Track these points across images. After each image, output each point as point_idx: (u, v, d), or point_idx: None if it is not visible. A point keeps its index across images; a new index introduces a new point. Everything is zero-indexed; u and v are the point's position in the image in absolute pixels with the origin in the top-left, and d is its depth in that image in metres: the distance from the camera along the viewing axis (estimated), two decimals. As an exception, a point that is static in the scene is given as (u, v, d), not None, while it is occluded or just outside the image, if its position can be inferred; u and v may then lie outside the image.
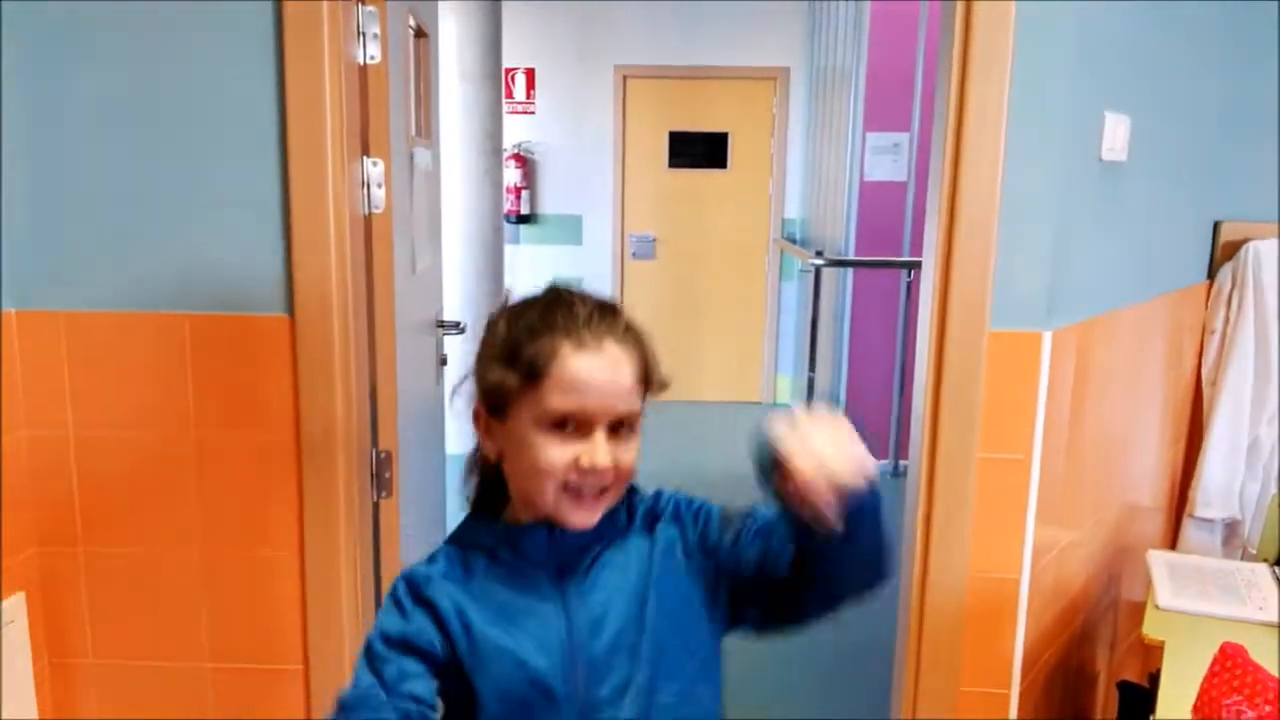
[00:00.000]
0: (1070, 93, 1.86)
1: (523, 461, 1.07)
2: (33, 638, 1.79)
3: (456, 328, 2.80)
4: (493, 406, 1.09)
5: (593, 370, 1.03)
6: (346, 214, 1.72)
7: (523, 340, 1.04)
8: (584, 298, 1.08)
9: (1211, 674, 1.54)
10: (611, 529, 1.12)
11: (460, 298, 5.48)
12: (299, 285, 1.70)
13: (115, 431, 1.76)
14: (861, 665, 2.77)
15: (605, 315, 1.06)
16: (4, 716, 1.71)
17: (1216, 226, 2.65)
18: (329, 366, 1.72)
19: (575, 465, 1.04)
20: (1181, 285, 2.59)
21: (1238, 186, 2.61)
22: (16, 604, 1.74)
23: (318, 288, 1.70)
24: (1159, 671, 1.76)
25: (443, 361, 2.76)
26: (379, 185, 1.87)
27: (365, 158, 1.83)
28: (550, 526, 1.08)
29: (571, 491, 1.05)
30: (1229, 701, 1.48)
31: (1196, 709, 1.55)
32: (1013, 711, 2.01)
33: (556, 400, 1.03)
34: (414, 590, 1.10)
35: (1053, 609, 2.13)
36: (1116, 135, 2.05)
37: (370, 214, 1.87)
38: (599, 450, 1.03)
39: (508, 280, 6.03)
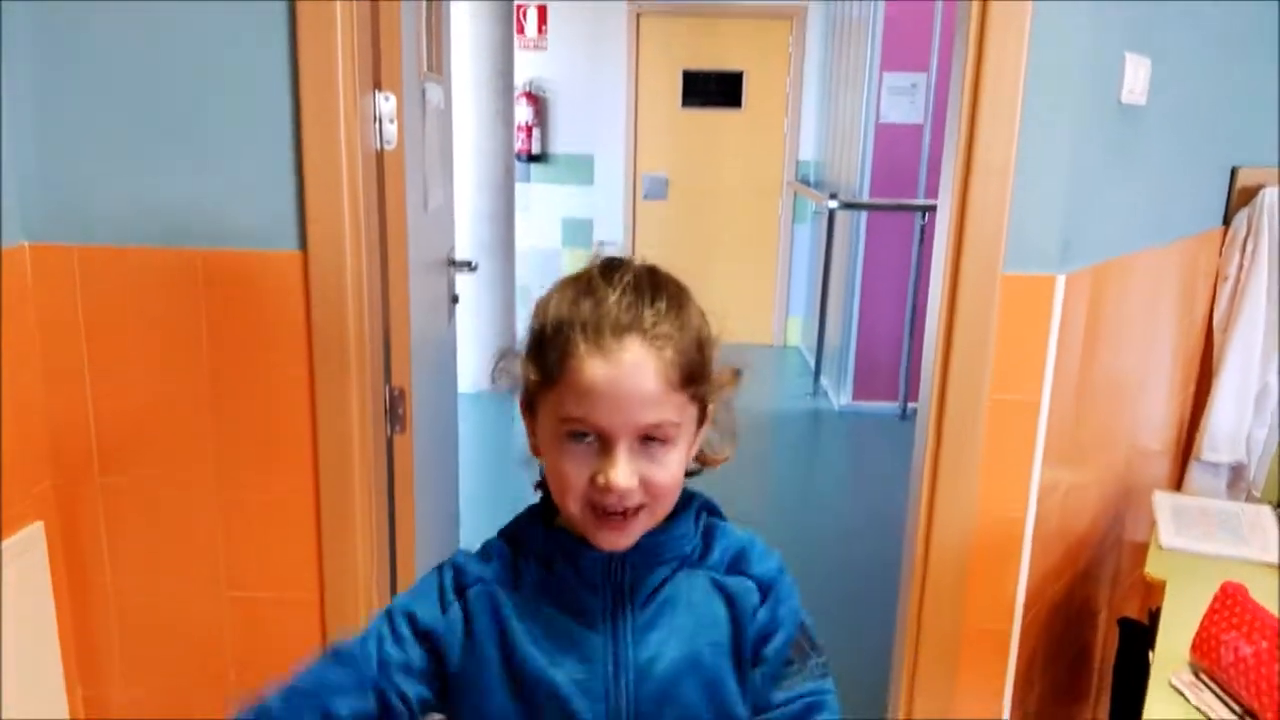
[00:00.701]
0: (1091, 32, 1.83)
1: (550, 469, 0.96)
2: (52, 567, 1.82)
3: (468, 266, 2.81)
4: (526, 398, 0.98)
5: (607, 378, 0.89)
6: (359, 149, 1.72)
7: (548, 333, 0.93)
8: (624, 280, 0.93)
9: (1211, 611, 1.56)
10: (678, 556, 1.00)
11: (471, 237, 5.48)
12: (311, 221, 1.71)
13: (130, 366, 1.78)
14: (864, 601, 2.80)
15: (639, 305, 0.92)
16: (26, 643, 1.75)
17: (1233, 172, 2.63)
18: (342, 302, 1.73)
19: (593, 482, 0.92)
20: (1197, 231, 2.58)
21: (1256, 132, 2.59)
22: (35, 533, 1.77)
23: (330, 223, 1.71)
24: (1159, 609, 1.78)
25: (454, 300, 2.77)
26: (391, 121, 1.87)
27: (377, 92, 1.82)
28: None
29: (597, 511, 0.94)
30: (1227, 638, 1.50)
31: (1195, 645, 1.57)
32: (1013, 648, 2.04)
33: (571, 406, 0.91)
34: (460, 586, 1.01)
35: (1057, 548, 2.16)
36: (1136, 77, 2.03)
37: (382, 150, 1.87)
38: (618, 469, 0.91)
39: (519, 220, 6.02)
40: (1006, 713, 2.05)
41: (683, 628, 0.98)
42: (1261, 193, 2.55)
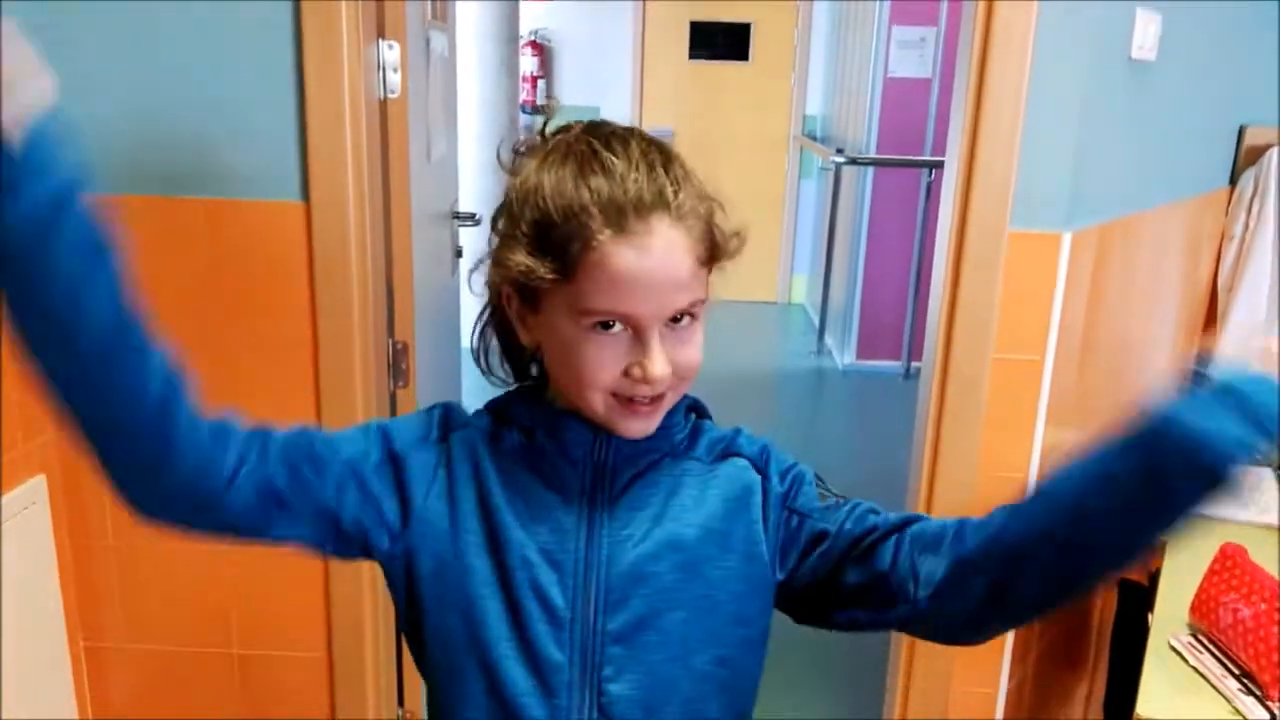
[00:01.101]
0: (1103, -15, 1.81)
1: (563, 363, 0.90)
2: (54, 520, 1.82)
3: (472, 219, 2.79)
4: (522, 293, 0.91)
5: (638, 268, 0.83)
6: (362, 98, 1.70)
7: (553, 217, 0.84)
8: (628, 148, 0.86)
9: (1211, 573, 1.57)
10: (666, 444, 0.95)
11: (475, 190, 5.44)
12: (314, 170, 1.69)
13: (132, 315, 1.77)
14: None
15: (655, 177, 0.85)
16: (28, 595, 1.76)
17: (1241, 131, 2.61)
18: (345, 253, 1.72)
19: (626, 374, 0.86)
20: (1204, 190, 2.56)
21: (1265, 91, 2.56)
22: (38, 485, 1.77)
23: (333, 173, 1.69)
24: (1158, 571, 1.79)
25: (458, 253, 2.76)
26: (394, 69, 1.85)
27: (380, 39, 1.80)
28: (592, 423, 0.92)
29: (622, 400, 0.88)
30: (1226, 600, 1.51)
31: (1194, 607, 1.58)
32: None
33: (596, 298, 0.84)
34: (446, 427, 0.97)
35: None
36: (1147, 33, 2.00)
37: (385, 99, 1.85)
38: (654, 359, 0.85)
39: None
40: (1005, 673, 2.07)
41: (663, 512, 0.93)
42: (1269, 152, 2.53)
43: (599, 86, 6.84)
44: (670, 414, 0.94)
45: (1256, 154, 2.57)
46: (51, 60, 1.71)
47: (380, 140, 1.84)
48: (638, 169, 0.84)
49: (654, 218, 0.83)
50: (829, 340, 6.09)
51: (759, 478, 0.97)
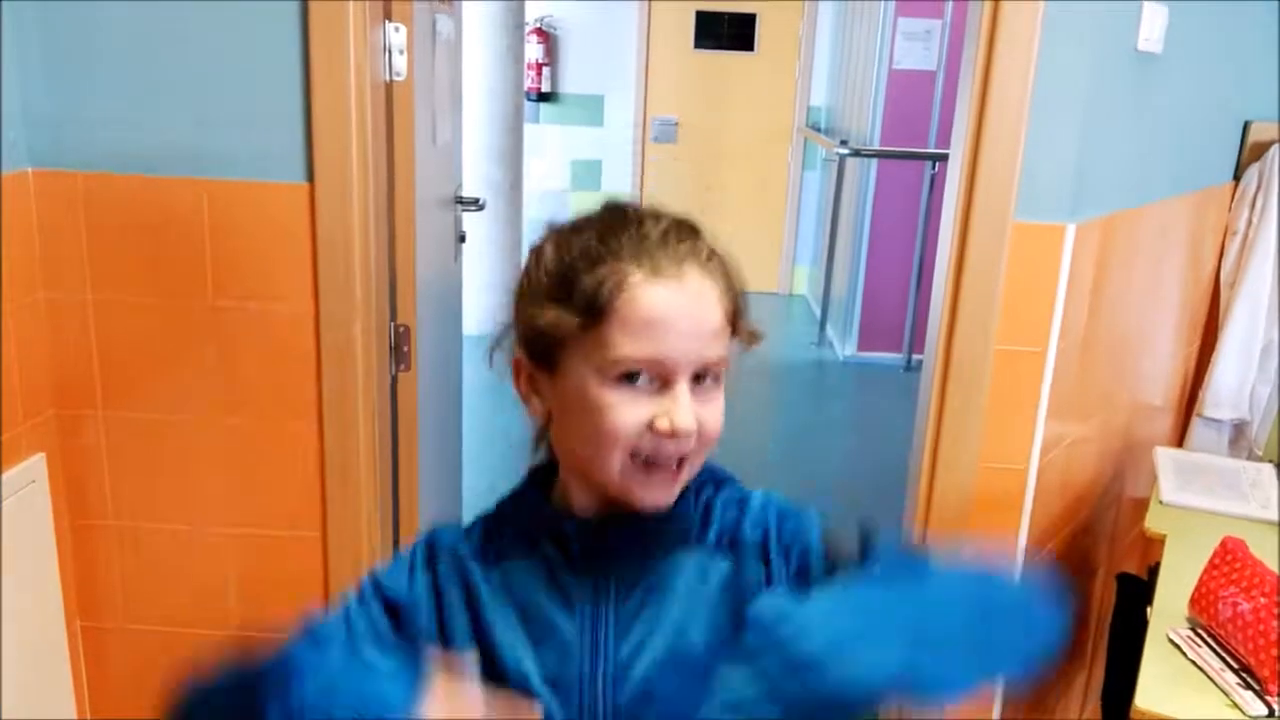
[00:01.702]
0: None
1: (580, 424, 0.84)
2: (53, 499, 1.82)
3: (475, 204, 2.79)
4: (539, 354, 0.86)
5: (672, 304, 0.80)
6: (368, 80, 1.69)
7: (579, 268, 0.81)
8: (654, 213, 0.85)
9: (1211, 567, 1.56)
10: (677, 532, 0.90)
11: (480, 176, 5.43)
12: (319, 152, 1.69)
13: (134, 297, 1.77)
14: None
15: (684, 234, 0.84)
16: (25, 575, 1.76)
17: (1246, 126, 2.60)
18: (348, 236, 1.71)
19: (650, 428, 0.81)
20: (1208, 184, 2.55)
21: (1270, 87, 2.55)
22: (37, 464, 1.77)
23: (338, 155, 1.69)
24: (1158, 565, 1.79)
25: (461, 238, 2.75)
26: (401, 52, 1.84)
27: (387, 22, 1.79)
28: (598, 520, 0.88)
29: (642, 462, 0.83)
30: (1225, 594, 1.50)
31: (1194, 601, 1.58)
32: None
33: (626, 345, 0.80)
34: (430, 556, 0.93)
35: (1058, 502, 2.16)
36: (1154, 25, 1.99)
37: (391, 81, 1.85)
38: (682, 409, 0.81)
39: (527, 160, 5.97)
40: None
41: (671, 618, 0.87)
42: (1273, 148, 2.53)
43: (604, 75, 6.83)
44: (682, 497, 0.89)
45: (1261, 150, 2.57)
46: (57, 43, 1.71)
47: (385, 123, 1.83)
48: (668, 228, 0.84)
49: (687, 264, 0.82)
50: (830, 331, 6.09)
51: (763, 568, 0.90)
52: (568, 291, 0.82)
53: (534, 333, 0.85)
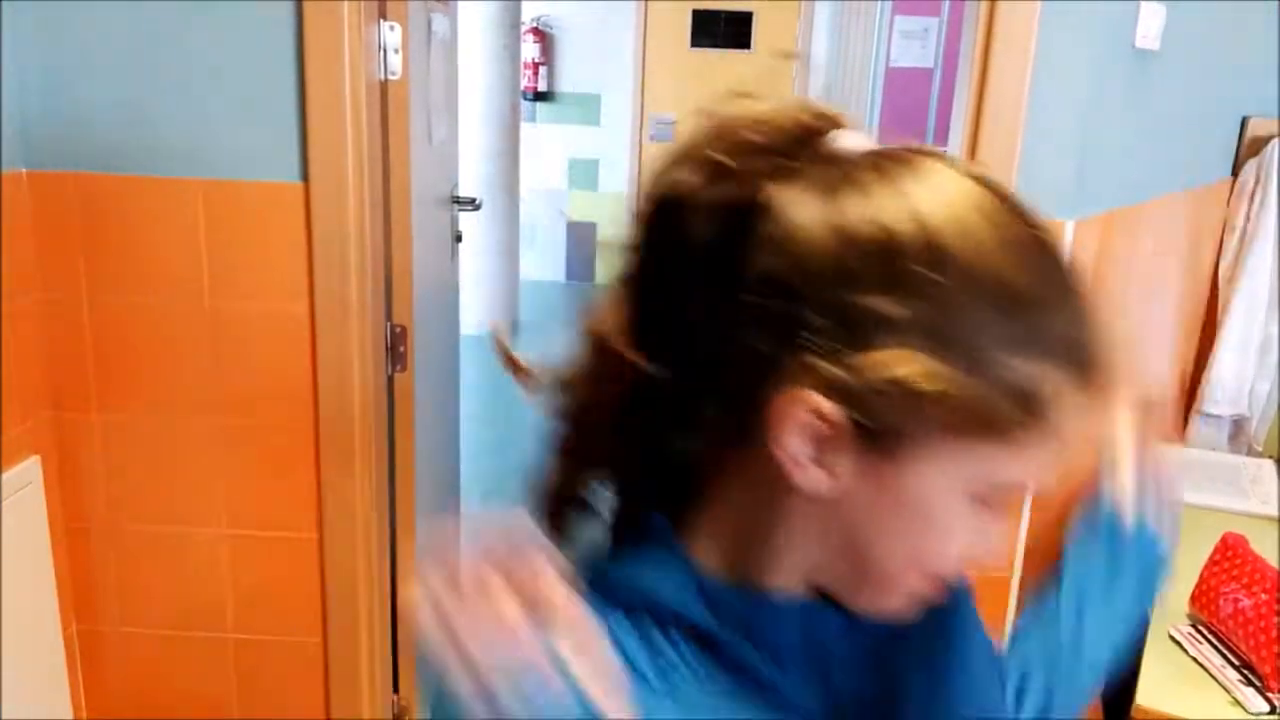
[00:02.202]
0: (1109, -27, 1.80)
1: (889, 533, 0.60)
2: (49, 501, 1.81)
3: (472, 204, 2.78)
4: (888, 429, 0.56)
5: (1084, 438, 0.60)
6: (362, 79, 1.69)
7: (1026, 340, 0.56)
8: (1068, 261, 0.61)
9: (1211, 563, 1.56)
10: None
11: (476, 176, 5.43)
12: (314, 151, 1.68)
13: (129, 297, 1.76)
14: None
15: (1093, 313, 0.62)
16: (21, 578, 1.76)
17: (1244, 122, 2.60)
18: (344, 235, 1.71)
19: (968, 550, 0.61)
20: (1206, 180, 2.55)
21: (1268, 82, 2.55)
22: (32, 467, 1.76)
23: (333, 154, 1.68)
24: (1159, 561, 1.78)
25: (458, 238, 2.75)
26: (396, 51, 1.84)
27: (382, 21, 1.79)
28: (803, 600, 0.65)
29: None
30: (1226, 590, 1.50)
31: (1194, 597, 1.58)
32: (1013, 596, 2.05)
33: (1019, 472, 0.59)
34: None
35: (1057, 498, 2.15)
36: (1151, 22, 1.99)
37: (386, 80, 1.84)
38: (1001, 536, 0.62)
39: (523, 160, 5.97)
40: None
41: (929, 687, 0.70)
42: (1271, 143, 2.52)
43: (601, 74, 6.82)
44: None
45: (1259, 145, 2.56)
46: (51, 40, 1.70)
47: (381, 122, 1.83)
48: (1085, 298, 0.61)
49: (1111, 382, 0.61)
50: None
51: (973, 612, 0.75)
52: (993, 370, 0.55)
53: (970, 397, 0.55)
